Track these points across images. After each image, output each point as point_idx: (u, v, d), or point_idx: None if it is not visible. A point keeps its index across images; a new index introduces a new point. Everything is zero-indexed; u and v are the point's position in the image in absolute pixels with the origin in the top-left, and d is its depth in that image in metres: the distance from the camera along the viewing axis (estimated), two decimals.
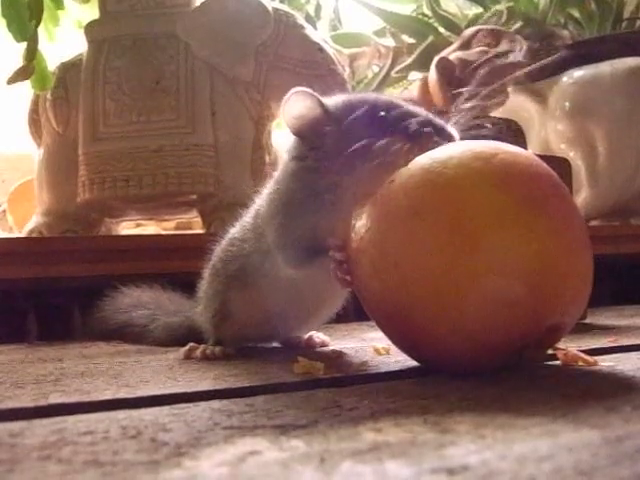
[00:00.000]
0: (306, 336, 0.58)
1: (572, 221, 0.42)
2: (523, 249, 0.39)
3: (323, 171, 0.47)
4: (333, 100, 0.49)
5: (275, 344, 0.60)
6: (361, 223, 0.43)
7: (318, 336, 0.58)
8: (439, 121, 0.46)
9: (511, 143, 0.44)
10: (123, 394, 0.39)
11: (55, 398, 0.39)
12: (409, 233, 0.40)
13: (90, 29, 0.89)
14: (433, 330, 0.40)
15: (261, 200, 0.53)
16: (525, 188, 0.40)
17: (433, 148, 0.43)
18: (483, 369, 0.41)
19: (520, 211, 0.39)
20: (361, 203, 0.44)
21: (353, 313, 0.72)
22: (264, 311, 0.53)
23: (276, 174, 0.52)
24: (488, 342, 0.39)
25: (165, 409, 0.35)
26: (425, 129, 0.44)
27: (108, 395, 0.39)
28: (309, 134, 0.48)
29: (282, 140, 0.52)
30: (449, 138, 0.45)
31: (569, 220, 0.42)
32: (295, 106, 0.48)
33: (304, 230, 0.48)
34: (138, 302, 0.67)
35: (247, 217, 0.54)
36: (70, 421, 0.33)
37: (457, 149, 0.42)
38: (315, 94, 0.48)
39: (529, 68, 0.98)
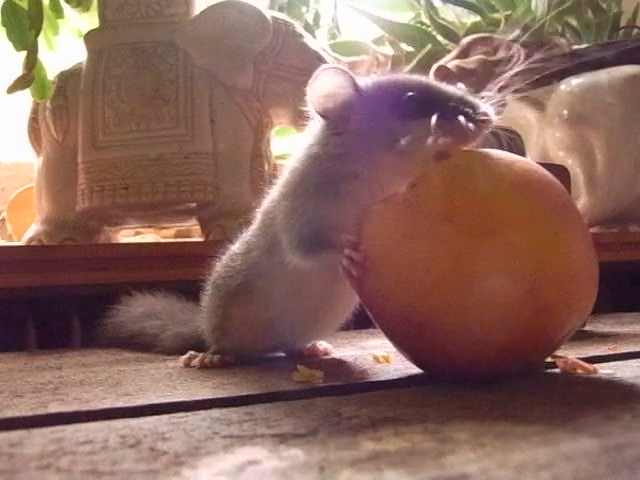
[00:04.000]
0: (309, 344, 0.57)
1: (584, 227, 0.44)
2: (552, 254, 0.40)
3: (344, 159, 0.44)
4: (363, 81, 0.45)
5: (277, 353, 0.59)
6: (379, 228, 0.42)
7: (321, 344, 0.58)
8: (474, 101, 0.43)
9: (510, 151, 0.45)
10: (122, 403, 0.39)
11: (54, 407, 0.39)
12: (441, 238, 0.39)
13: (90, 38, 0.90)
14: (466, 337, 0.40)
15: (272, 192, 0.51)
16: (546, 195, 0.42)
17: (466, 137, 0.41)
18: (509, 374, 0.42)
19: (546, 217, 0.40)
20: (374, 208, 0.43)
21: (352, 321, 0.72)
22: (266, 327, 0.52)
23: (292, 158, 0.50)
24: (518, 348, 0.40)
25: (164, 418, 0.35)
26: (459, 117, 0.41)
27: (107, 404, 0.39)
28: (336, 115, 0.45)
29: (306, 123, 0.48)
30: (484, 118, 0.42)
31: (582, 226, 0.43)
32: (325, 83, 0.44)
33: (315, 216, 0.45)
34: (151, 311, 0.66)
35: (256, 219, 0.53)
36: (69, 430, 0.33)
37: (478, 155, 0.43)
38: (348, 71, 0.44)
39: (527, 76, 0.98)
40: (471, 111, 0.42)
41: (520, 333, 0.39)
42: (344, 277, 0.44)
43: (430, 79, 0.47)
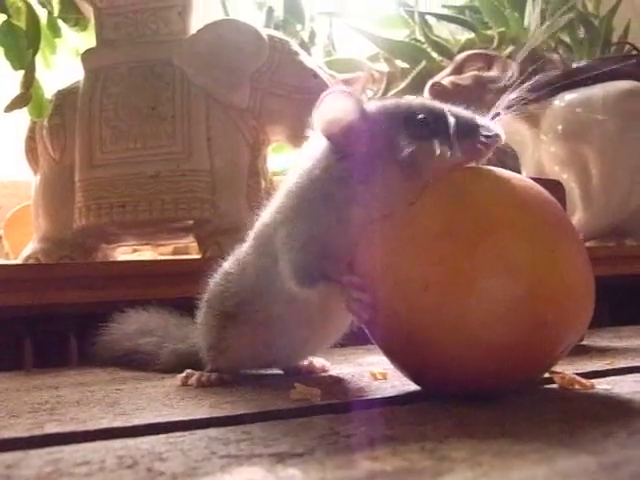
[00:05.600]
0: (306, 362, 0.57)
1: (581, 243, 0.44)
2: (549, 270, 0.40)
3: (349, 182, 0.43)
4: (368, 105, 0.45)
5: (274, 370, 0.59)
6: (377, 245, 0.42)
7: (318, 361, 0.57)
8: (483, 120, 0.43)
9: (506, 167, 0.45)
10: (119, 423, 0.39)
11: (51, 427, 0.38)
12: (440, 255, 0.40)
13: (87, 57, 0.90)
14: (465, 353, 0.40)
15: (266, 213, 0.50)
16: (543, 211, 0.42)
17: (480, 153, 0.42)
18: (506, 391, 0.42)
19: (543, 233, 0.41)
20: (371, 226, 0.43)
21: (350, 337, 0.72)
22: (261, 345, 0.52)
23: (289, 181, 0.49)
24: (517, 365, 0.40)
25: (161, 438, 0.35)
26: (473, 133, 0.42)
27: (104, 424, 0.39)
28: (343, 139, 0.44)
29: (308, 143, 0.48)
30: (496, 136, 0.42)
31: (579, 242, 0.44)
32: (332, 108, 0.43)
33: (312, 242, 0.45)
34: (145, 328, 0.65)
35: (249, 238, 0.52)
36: (66, 451, 0.33)
37: (475, 172, 0.43)
38: (354, 95, 0.44)
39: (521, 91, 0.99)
40: (480, 128, 0.43)
41: (519, 349, 0.40)
42: (353, 317, 0.44)
43: (432, 101, 0.47)
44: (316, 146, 0.47)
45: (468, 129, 0.43)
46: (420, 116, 0.43)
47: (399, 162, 0.43)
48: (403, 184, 0.42)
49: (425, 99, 0.47)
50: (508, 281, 0.39)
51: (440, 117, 0.43)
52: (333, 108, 0.44)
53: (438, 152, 0.42)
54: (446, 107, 0.45)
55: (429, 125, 0.43)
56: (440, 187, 0.42)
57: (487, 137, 0.42)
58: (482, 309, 0.39)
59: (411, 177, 0.42)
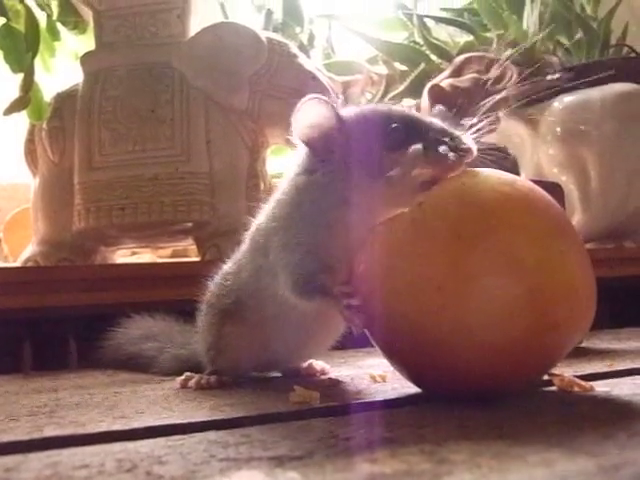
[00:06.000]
0: (305, 364, 0.57)
1: (583, 245, 0.44)
2: (560, 272, 0.40)
3: (331, 186, 0.45)
4: (345, 111, 0.47)
5: (274, 373, 0.59)
6: (386, 246, 0.42)
7: (318, 363, 0.58)
8: (455, 132, 0.44)
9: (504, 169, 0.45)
10: (118, 426, 0.39)
11: (50, 431, 0.38)
12: (452, 256, 0.40)
13: (86, 60, 0.90)
14: (476, 354, 0.39)
15: (260, 218, 0.51)
16: (548, 213, 0.42)
17: (448, 167, 0.42)
18: (507, 392, 0.42)
19: (551, 235, 0.41)
20: (380, 226, 0.43)
21: (349, 340, 0.71)
22: (259, 345, 0.52)
23: (279, 189, 0.50)
24: (526, 366, 0.40)
25: (161, 441, 0.35)
26: (442, 147, 0.42)
27: (103, 427, 0.39)
28: (321, 145, 0.46)
29: (291, 153, 0.49)
30: (467, 151, 0.43)
31: (581, 244, 0.44)
32: (309, 114, 0.45)
33: (306, 253, 0.45)
34: (149, 333, 0.66)
35: (243, 244, 0.54)
36: (65, 454, 0.33)
37: (482, 174, 0.43)
38: (330, 102, 0.45)
39: (520, 94, 0.99)
40: (452, 142, 0.43)
41: (530, 351, 0.40)
42: (348, 323, 0.44)
43: (411, 110, 0.48)
44: (298, 153, 0.48)
45: (441, 142, 0.43)
46: (393, 125, 0.44)
47: (373, 169, 0.44)
48: (383, 188, 0.43)
49: (403, 108, 0.47)
50: (522, 284, 0.39)
51: (415, 127, 0.44)
52: (310, 114, 0.45)
53: (409, 161, 0.42)
54: (424, 117, 0.46)
55: (403, 134, 0.44)
56: (447, 189, 0.42)
57: (459, 150, 0.43)
58: (490, 309, 0.39)
59: (389, 182, 0.43)
